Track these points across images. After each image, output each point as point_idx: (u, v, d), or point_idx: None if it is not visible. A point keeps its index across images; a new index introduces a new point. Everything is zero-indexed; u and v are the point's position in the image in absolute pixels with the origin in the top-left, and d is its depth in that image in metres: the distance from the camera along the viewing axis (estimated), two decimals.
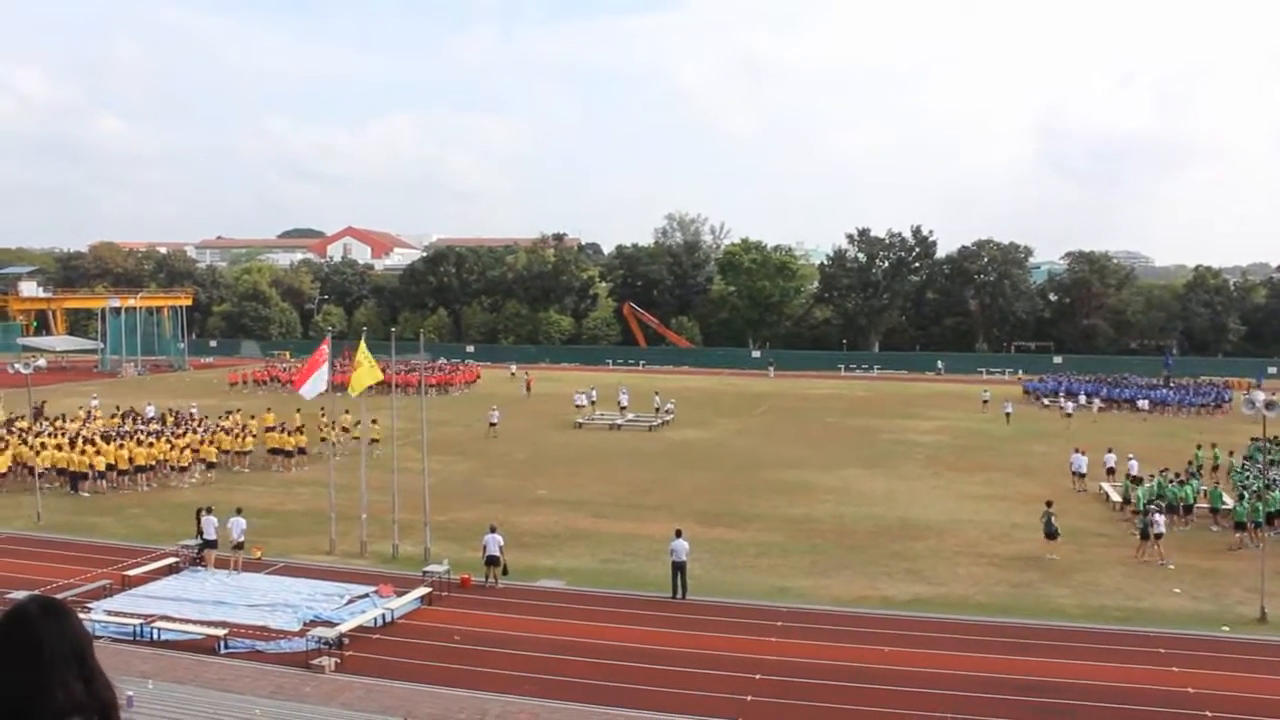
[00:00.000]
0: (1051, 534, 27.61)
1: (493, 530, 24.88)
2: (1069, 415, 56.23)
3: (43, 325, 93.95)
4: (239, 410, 48.18)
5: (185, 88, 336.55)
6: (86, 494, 34.97)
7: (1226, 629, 22.08)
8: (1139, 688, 18.51)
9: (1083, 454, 37.40)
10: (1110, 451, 38.82)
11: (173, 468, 37.32)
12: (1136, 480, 33.77)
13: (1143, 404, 62.06)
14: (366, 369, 28.72)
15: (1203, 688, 18.46)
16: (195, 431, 41.20)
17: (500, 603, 23.46)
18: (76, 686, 2.20)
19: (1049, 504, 28.68)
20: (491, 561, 24.52)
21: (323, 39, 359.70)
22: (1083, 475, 36.69)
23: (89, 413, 48.86)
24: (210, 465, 38.31)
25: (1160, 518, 27.81)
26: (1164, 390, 65.52)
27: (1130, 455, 37.17)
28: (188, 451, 37.96)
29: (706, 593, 24.22)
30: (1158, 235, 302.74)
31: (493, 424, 49.18)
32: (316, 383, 29.15)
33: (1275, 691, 18.51)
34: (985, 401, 61.47)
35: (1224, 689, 18.43)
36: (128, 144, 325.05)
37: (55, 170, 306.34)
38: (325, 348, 29.32)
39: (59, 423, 43.84)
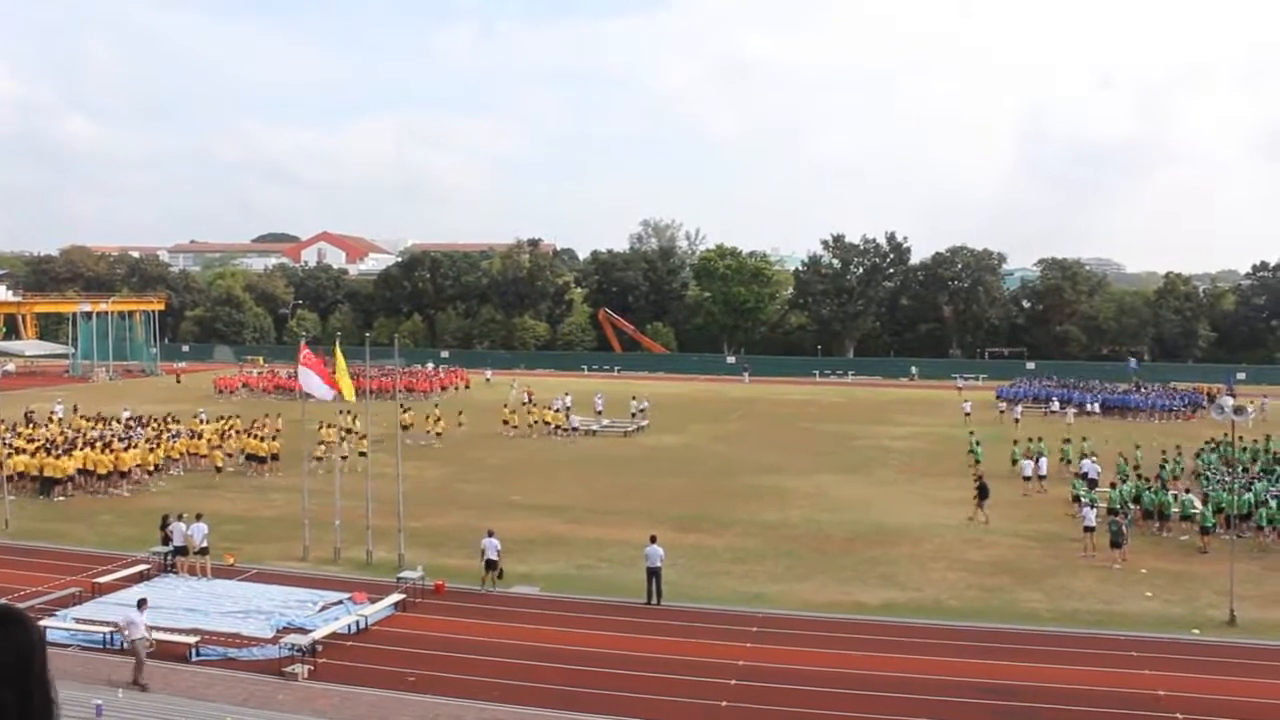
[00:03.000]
0: (1118, 543, 27.63)
1: (490, 535, 24.86)
2: (1001, 413, 57.10)
3: (12, 329, 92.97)
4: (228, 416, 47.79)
5: (159, 89, 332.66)
6: (61, 498, 34.66)
7: (1197, 632, 22.30)
8: (1111, 691, 18.65)
9: (1029, 458, 38.27)
10: (1086, 457, 39.10)
11: (147, 472, 37.16)
12: (1092, 483, 34.55)
13: (1094, 407, 62.53)
14: (345, 377, 29.64)
15: (1174, 690, 18.62)
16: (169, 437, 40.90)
17: (475, 609, 23.38)
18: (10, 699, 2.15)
19: (1113, 513, 29.20)
20: (489, 566, 24.49)
21: (300, 40, 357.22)
22: (1027, 479, 37.37)
23: (73, 412, 48.35)
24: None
25: (1089, 511, 28.93)
26: (1134, 396, 66.12)
27: (1087, 456, 38.11)
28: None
29: (681, 598, 24.22)
30: (1129, 242, 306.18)
31: (585, 430, 51.61)
32: (322, 386, 29.24)
33: (1244, 693, 18.70)
34: (966, 414, 58.69)
35: (1194, 691, 18.62)
36: (100, 145, 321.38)
37: (25, 172, 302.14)
38: (307, 351, 29.66)
39: (30, 428, 43.39)
